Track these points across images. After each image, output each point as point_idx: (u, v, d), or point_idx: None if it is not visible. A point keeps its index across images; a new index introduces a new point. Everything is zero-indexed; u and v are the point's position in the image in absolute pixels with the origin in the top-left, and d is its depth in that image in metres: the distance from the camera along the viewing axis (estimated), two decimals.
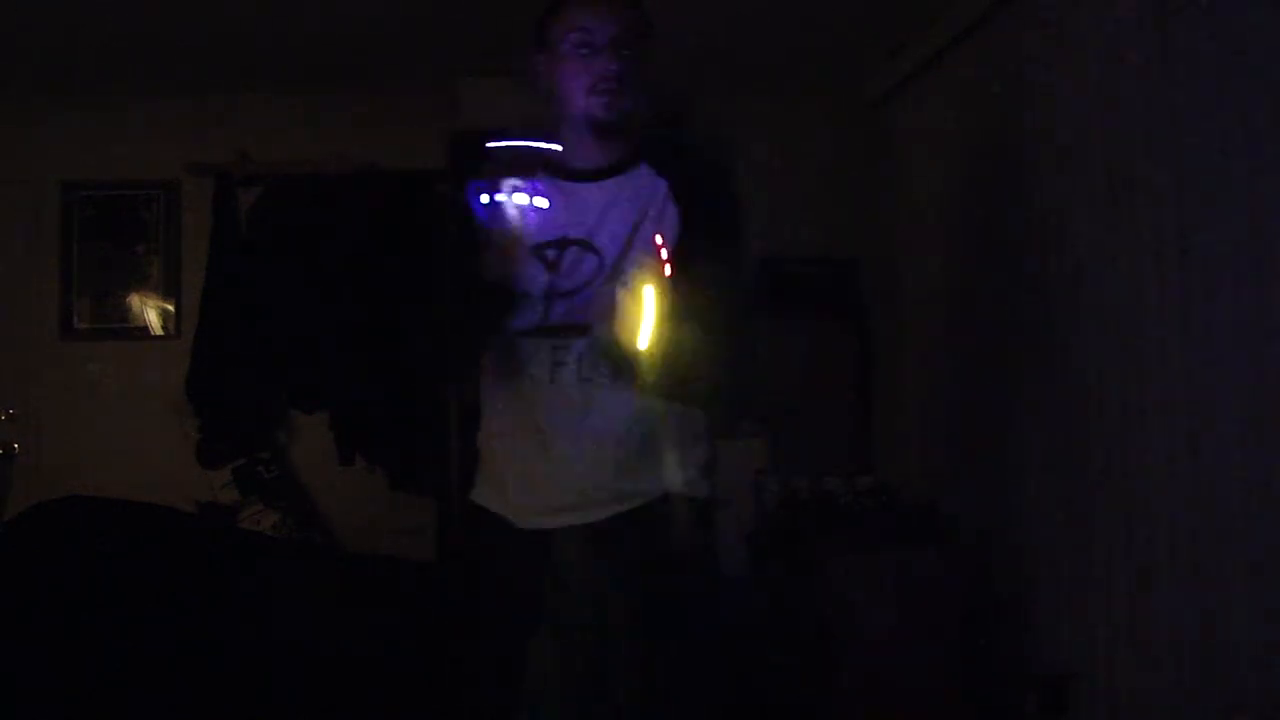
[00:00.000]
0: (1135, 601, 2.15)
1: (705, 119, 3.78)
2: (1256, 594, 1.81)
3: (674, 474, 1.68)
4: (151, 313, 3.97)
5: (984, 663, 2.71)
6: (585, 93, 1.65)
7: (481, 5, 3.07)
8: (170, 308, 3.96)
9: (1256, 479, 1.81)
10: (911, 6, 3.02)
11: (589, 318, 1.63)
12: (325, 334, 3.75)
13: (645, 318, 1.55)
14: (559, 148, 1.72)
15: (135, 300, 3.96)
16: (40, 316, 3.91)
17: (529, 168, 1.69)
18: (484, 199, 1.57)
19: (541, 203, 1.59)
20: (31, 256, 3.91)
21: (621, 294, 1.56)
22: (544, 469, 1.65)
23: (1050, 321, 2.50)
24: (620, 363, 1.59)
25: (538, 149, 1.73)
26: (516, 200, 1.57)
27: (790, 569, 2.99)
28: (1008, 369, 2.74)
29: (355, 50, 3.45)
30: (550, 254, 1.67)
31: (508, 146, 1.72)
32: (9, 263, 3.90)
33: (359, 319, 3.74)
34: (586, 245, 1.67)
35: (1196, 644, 1.96)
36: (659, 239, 1.60)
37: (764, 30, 3.28)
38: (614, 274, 1.63)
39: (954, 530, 2.96)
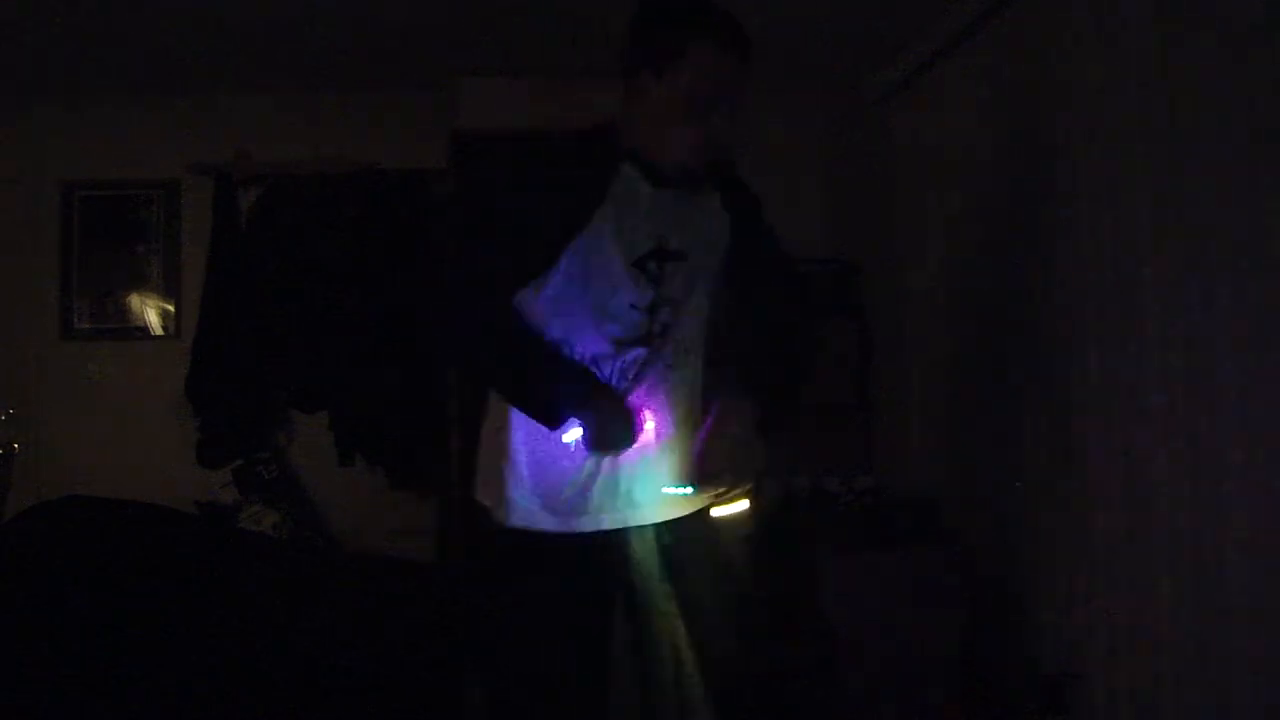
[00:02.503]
0: (1135, 601, 2.15)
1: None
2: (1256, 593, 1.81)
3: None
4: (151, 313, 3.97)
5: (984, 663, 2.71)
6: (692, 148, 1.61)
7: (481, 5, 3.07)
8: (170, 308, 3.96)
9: (1257, 479, 1.81)
10: (911, 6, 3.02)
11: (690, 331, 1.71)
12: (325, 334, 3.75)
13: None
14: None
15: (135, 300, 3.96)
16: (40, 316, 3.91)
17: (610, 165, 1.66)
18: None
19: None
20: (31, 256, 3.91)
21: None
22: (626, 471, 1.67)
23: (1050, 321, 2.50)
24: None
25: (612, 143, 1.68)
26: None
27: (790, 569, 2.99)
28: (1007, 369, 2.74)
29: (355, 50, 3.46)
30: (652, 267, 1.65)
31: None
32: (9, 263, 3.90)
33: (359, 319, 3.74)
34: (682, 257, 1.67)
35: (1196, 644, 1.96)
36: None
37: (764, 30, 3.26)
38: (700, 286, 1.71)
39: (954, 530, 2.96)
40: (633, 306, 1.64)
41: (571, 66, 3.38)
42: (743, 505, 1.69)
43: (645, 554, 1.68)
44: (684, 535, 1.71)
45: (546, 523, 1.66)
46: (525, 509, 1.67)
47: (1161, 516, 2.06)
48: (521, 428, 1.67)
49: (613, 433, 1.60)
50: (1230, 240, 1.87)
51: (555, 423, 1.61)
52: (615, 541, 1.68)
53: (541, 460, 1.66)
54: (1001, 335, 2.79)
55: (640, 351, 1.66)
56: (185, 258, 3.93)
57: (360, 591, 2.87)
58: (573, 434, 1.61)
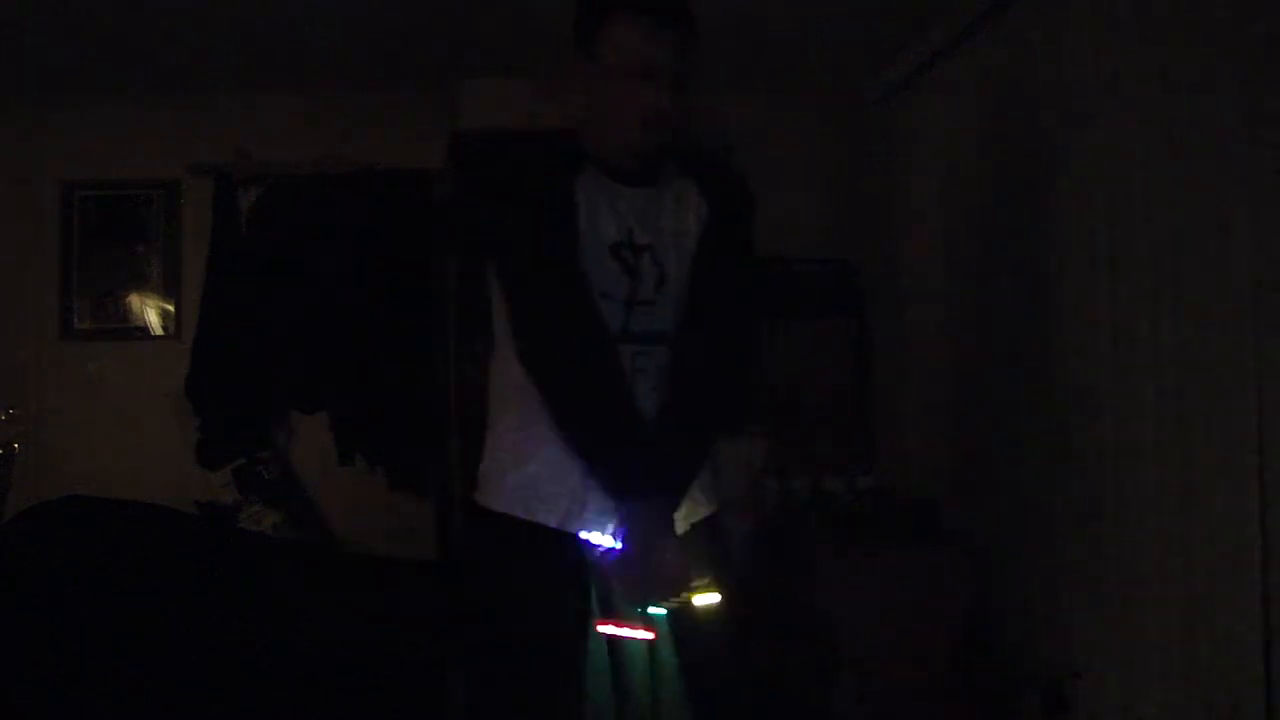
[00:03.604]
0: (1134, 601, 2.15)
1: (704, 118, 3.78)
2: (1253, 593, 1.81)
3: (706, 489, 1.70)
4: (151, 313, 3.97)
5: (984, 663, 2.71)
6: (636, 124, 1.56)
7: (481, 5, 3.07)
8: (170, 308, 3.96)
9: (1254, 478, 1.81)
10: (911, 6, 3.02)
11: (665, 326, 1.61)
12: (325, 334, 3.75)
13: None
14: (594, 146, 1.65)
15: (135, 300, 3.96)
16: (40, 316, 3.91)
17: (574, 165, 1.64)
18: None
19: None
20: (31, 256, 3.91)
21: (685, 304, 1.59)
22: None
23: (1049, 321, 2.50)
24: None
25: (576, 146, 1.66)
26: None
27: (790, 569, 2.99)
28: (1007, 369, 2.74)
29: (355, 50, 3.46)
30: (628, 256, 1.61)
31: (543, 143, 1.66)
32: (9, 263, 3.90)
33: (359, 319, 3.74)
34: (652, 250, 1.62)
35: (1196, 643, 1.96)
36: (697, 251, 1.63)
37: (764, 30, 3.28)
38: (672, 282, 1.62)
39: (954, 530, 2.96)
40: (605, 296, 1.59)
41: None
42: (714, 597, 1.57)
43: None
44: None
45: (546, 519, 1.62)
46: (524, 501, 1.63)
47: (1160, 516, 2.06)
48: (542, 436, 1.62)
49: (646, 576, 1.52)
50: (1230, 240, 1.87)
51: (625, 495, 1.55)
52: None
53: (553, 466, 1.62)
54: (1001, 335, 2.79)
55: (629, 351, 1.60)
56: (185, 258, 3.93)
57: (360, 591, 2.88)
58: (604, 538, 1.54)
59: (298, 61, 3.57)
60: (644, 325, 1.60)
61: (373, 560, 3.34)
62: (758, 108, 3.85)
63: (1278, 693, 1.78)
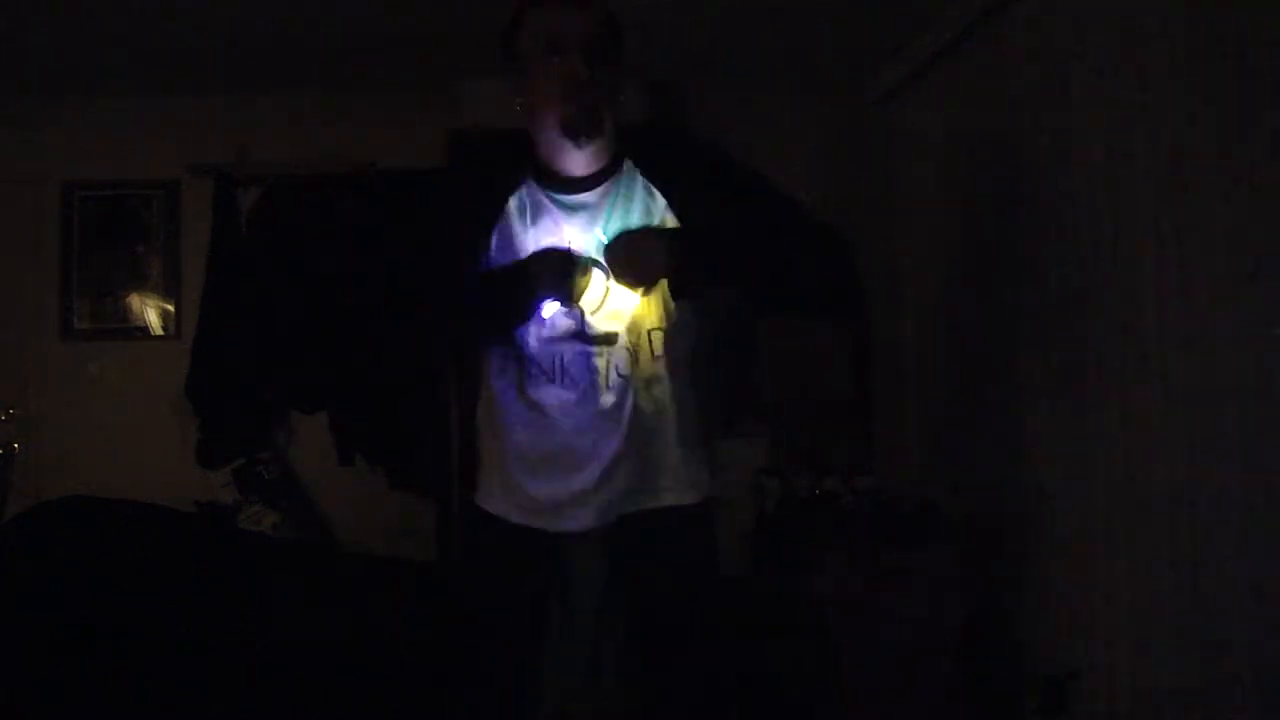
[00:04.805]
0: (1135, 601, 2.15)
1: (703, 118, 3.79)
2: (1256, 593, 1.81)
3: (692, 479, 1.72)
4: (151, 313, 3.97)
5: (984, 663, 2.71)
6: (557, 98, 1.59)
7: (481, 5, 3.07)
8: (170, 308, 3.96)
9: (1256, 479, 1.81)
10: (911, 6, 3.02)
11: (614, 327, 1.64)
12: (325, 334, 3.75)
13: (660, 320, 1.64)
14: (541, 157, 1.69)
15: (135, 300, 3.96)
16: (40, 316, 3.91)
17: (514, 177, 1.69)
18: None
19: None
20: (31, 256, 3.91)
21: (636, 300, 1.62)
22: (575, 474, 1.65)
23: (1050, 321, 2.50)
24: (643, 366, 1.64)
25: (520, 157, 1.70)
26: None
27: (790, 569, 2.99)
28: (1008, 368, 2.74)
29: (355, 50, 3.46)
30: None
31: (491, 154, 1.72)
32: (9, 263, 3.90)
33: (359, 319, 3.74)
34: (591, 260, 1.65)
35: (1196, 643, 1.96)
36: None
37: (764, 30, 3.28)
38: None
39: (954, 530, 2.95)
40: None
41: None
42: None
43: (591, 558, 1.68)
44: (637, 550, 1.69)
45: (516, 516, 1.70)
46: (500, 500, 1.72)
47: (1162, 516, 2.06)
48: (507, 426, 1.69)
49: (555, 269, 1.59)
50: (1231, 238, 1.87)
51: (524, 310, 1.61)
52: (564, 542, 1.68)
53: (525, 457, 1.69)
54: (1002, 335, 2.79)
55: (584, 350, 1.63)
56: (185, 258, 3.93)
57: (360, 591, 2.88)
58: (549, 307, 1.62)
59: (298, 61, 3.58)
60: (602, 326, 1.64)
61: (373, 560, 3.34)
62: (758, 108, 3.85)
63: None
